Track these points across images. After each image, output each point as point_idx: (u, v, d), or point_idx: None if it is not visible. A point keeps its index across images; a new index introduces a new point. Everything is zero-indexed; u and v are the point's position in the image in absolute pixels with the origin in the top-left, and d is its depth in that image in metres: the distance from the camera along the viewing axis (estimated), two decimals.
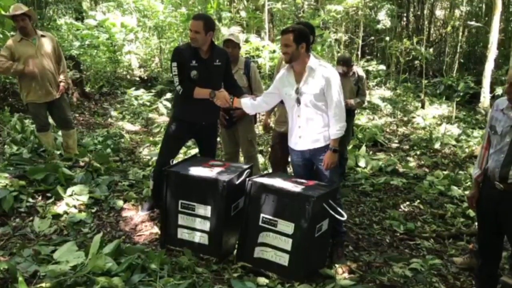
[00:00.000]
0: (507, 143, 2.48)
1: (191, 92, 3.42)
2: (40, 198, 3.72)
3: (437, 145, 7.71)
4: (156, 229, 3.45)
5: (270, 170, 4.54)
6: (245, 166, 3.32)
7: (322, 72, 3.08)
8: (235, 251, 3.14)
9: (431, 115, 10.43)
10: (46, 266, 2.60)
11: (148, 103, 8.31)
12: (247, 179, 3.03)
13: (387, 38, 13.31)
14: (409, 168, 6.17)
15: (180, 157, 4.46)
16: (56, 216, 3.49)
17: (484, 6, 15.25)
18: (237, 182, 3.06)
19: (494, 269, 2.77)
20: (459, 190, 5.30)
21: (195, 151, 5.01)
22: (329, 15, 10.87)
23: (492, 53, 10.55)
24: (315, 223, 2.85)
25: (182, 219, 3.10)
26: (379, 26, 14.09)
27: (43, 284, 2.33)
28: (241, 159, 4.59)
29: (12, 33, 5.66)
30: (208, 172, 3.09)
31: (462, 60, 13.51)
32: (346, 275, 3.12)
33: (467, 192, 4.66)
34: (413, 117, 10.20)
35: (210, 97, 3.39)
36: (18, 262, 2.63)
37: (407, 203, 4.91)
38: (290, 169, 4.33)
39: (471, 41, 15.47)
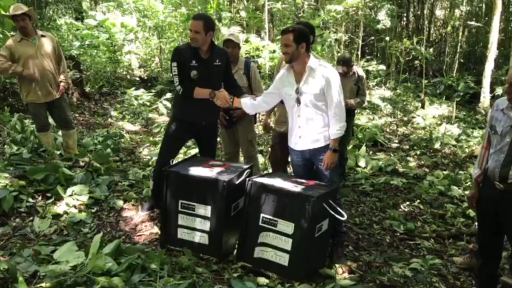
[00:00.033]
0: (507, 143, 2.48)
1: (191, 92, 3.42)
2: (40, 198, 3.72)
3: (437, 145, 7.71)
4: (156, 229, 3.45)
5: (270, 170, 4.54)
6: (245, 166, 3.32)
7: (322, 72, 3.08)
8: (235, 251, 3.14)
9: (431, 115, 10.43)
10: (46, 266, 2.60)
11: (148, 103, 8.31)
12: (247, 179, 3.03)
13: (387, 38, 13.31)
14: (409, 168, 6.17)
15: (180, 157, 4.46)
16: (56, 216, 3.49)
17: (484, 6, 15.25)
18: (237, 182, 3.06)
19: (494, 269, 2.77)
20: (459, 190, 5.30)
21: (195, 151, 5.00)
22: (329, 15, 10.87)
23: (492, 53, 10.54)
24: (315, 223, 2.85)
25: (182, 219, 3.10)
26: (379, 26, 14.09)
27: (43, 284, 2.33)
28: (241, 159, 4.59)
29: (12, 33, 5.65)
30: (208, 172, 3.09)
31: (462, 60, 13.51)
32: (346, 275, 3.12)
33: (467, 192, 4.66)
34: (413, 117, 10.20)
35: (210, 97, 3.39)
36: (18, 262, 2.63)
37: (407, 203, 4.91)
38: (290, 169, 4.33)
39: (471, 41, 15.47)
